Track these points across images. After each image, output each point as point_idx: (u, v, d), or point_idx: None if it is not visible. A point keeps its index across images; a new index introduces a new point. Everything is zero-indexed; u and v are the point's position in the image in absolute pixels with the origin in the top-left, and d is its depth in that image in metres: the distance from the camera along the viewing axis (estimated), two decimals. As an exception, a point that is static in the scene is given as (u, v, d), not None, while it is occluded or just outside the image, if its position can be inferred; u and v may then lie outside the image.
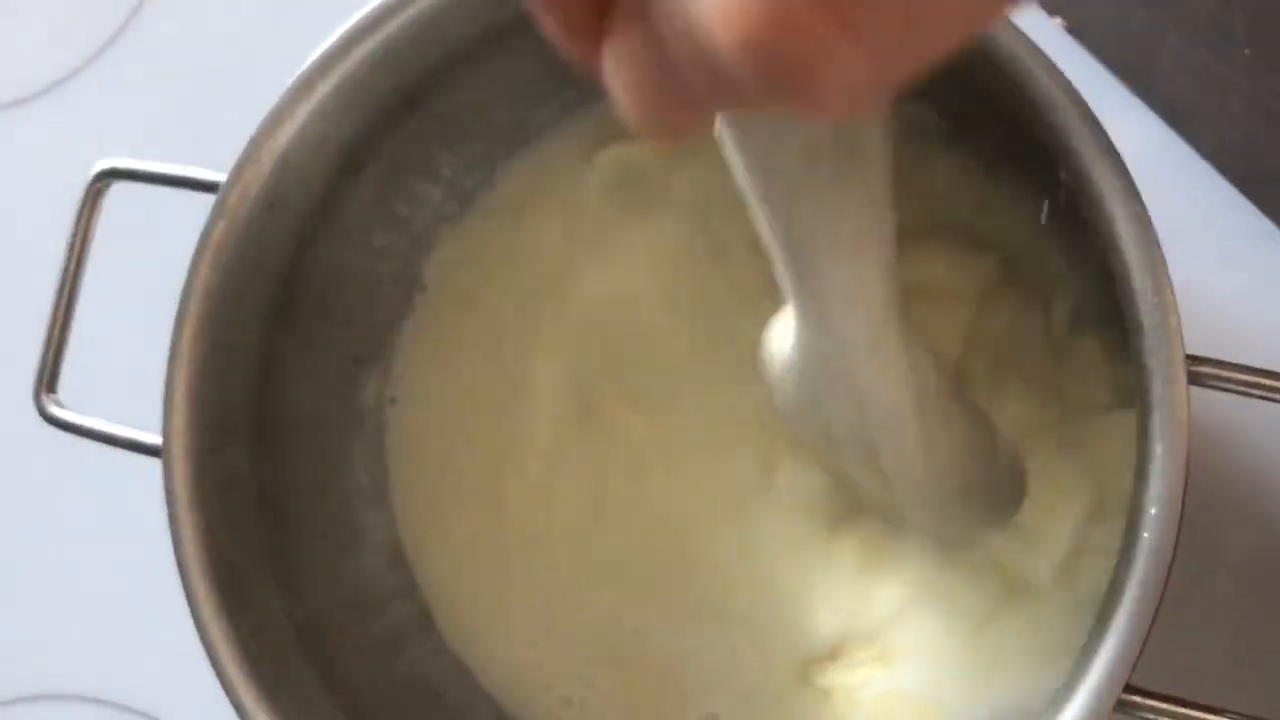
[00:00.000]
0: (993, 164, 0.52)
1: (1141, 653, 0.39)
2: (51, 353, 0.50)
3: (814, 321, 0.37)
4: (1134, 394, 0.48)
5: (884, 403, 0.39)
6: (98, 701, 0.63)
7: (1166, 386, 0.39)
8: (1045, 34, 0.43)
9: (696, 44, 0.21)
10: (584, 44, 0.24)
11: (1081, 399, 0.50)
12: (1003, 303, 0.52)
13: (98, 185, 0.50)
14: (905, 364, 0.38)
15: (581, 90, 0.54)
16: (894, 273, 0.34)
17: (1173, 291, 0.40)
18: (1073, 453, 0.50)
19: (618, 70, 0.24)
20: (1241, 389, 0.40)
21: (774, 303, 0.40)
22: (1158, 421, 0.39)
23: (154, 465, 0.47)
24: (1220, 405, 0.41)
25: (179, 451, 0.47)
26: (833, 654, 0.52)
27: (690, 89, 0.23)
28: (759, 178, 0.30)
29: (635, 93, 0.24)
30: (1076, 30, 0.58)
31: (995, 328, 0.51)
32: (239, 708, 0.44)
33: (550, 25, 0.24)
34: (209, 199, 0.47)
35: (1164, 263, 0.40)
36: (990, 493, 0.47)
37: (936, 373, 0.41)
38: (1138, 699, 0.39)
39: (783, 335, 0.39)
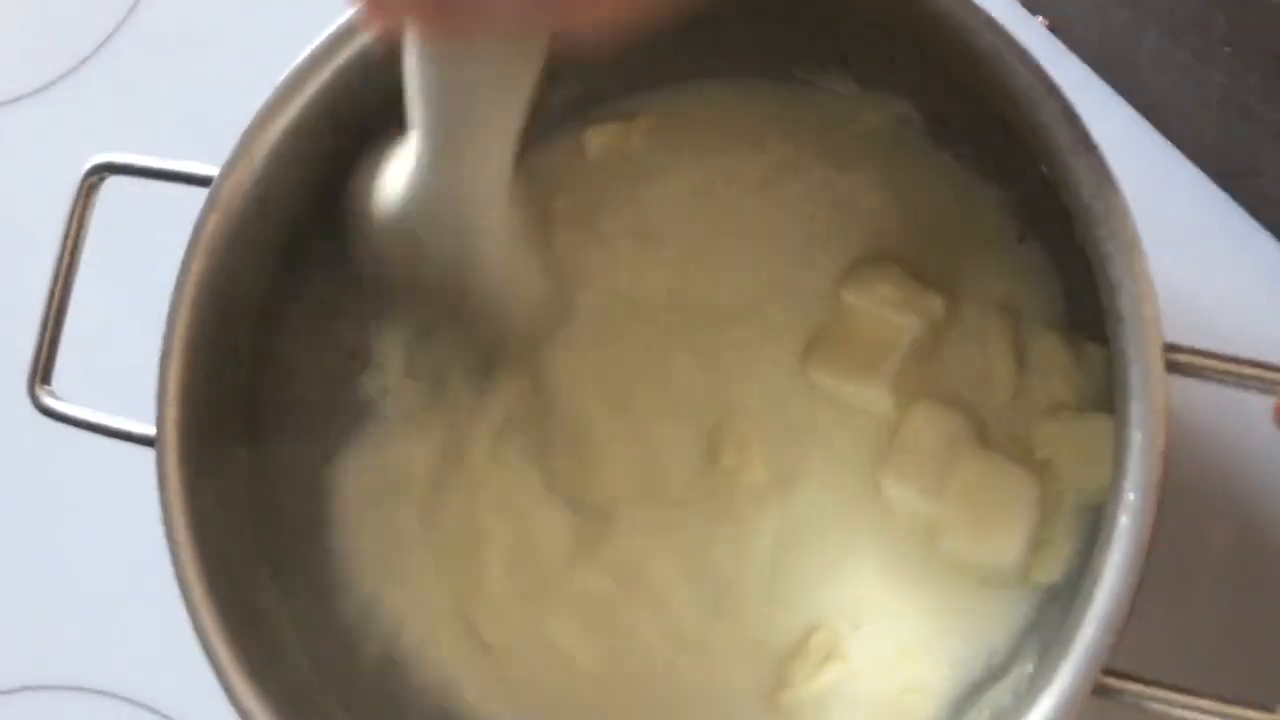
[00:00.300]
0: (975, 160, 0.53)
1: (1120, 636, 0.39)
2: (46, 344, 0.50)
3: (447, 167, 0.44)
4: (1096, 396, 0.49)
5: (488, 242, 0.47)
6: (93, 691, 0.63)
7: (1144, 374, 0.40)
8: (1028, 32, 0.43)
9: None
10: None
11: (1043, 399, 0.51)
12: (950, 332, 0.53)
13: (92, 179, 0.50)
14: (511, 214, 0.47)
15: (579, 87, 0.55)
16: (517, 139, 0.43)
17: (1151, 281, 0.40)
18: (1027, 452, 0.51)
19: None
20: (1218, 377, 0.40)
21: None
22: (1136, 408, 0.40)
23: (148, 456, 0.47)
24: (1198, 392, 0.42)
25: (172, 442, 0.47)
26: (794, 664, 0.52)
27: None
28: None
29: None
30: (1058, 29, 0.59)
31: (937, 356, 0.53)
32: (231, 693, 0.45)
33: None
34: (203, 193, 0.48)
35: (1143, 253, 0.40)
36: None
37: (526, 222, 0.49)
38: (1116, 682, 0.40)
39: (395, 181, 0.46)
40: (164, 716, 0.62)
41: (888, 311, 0.52)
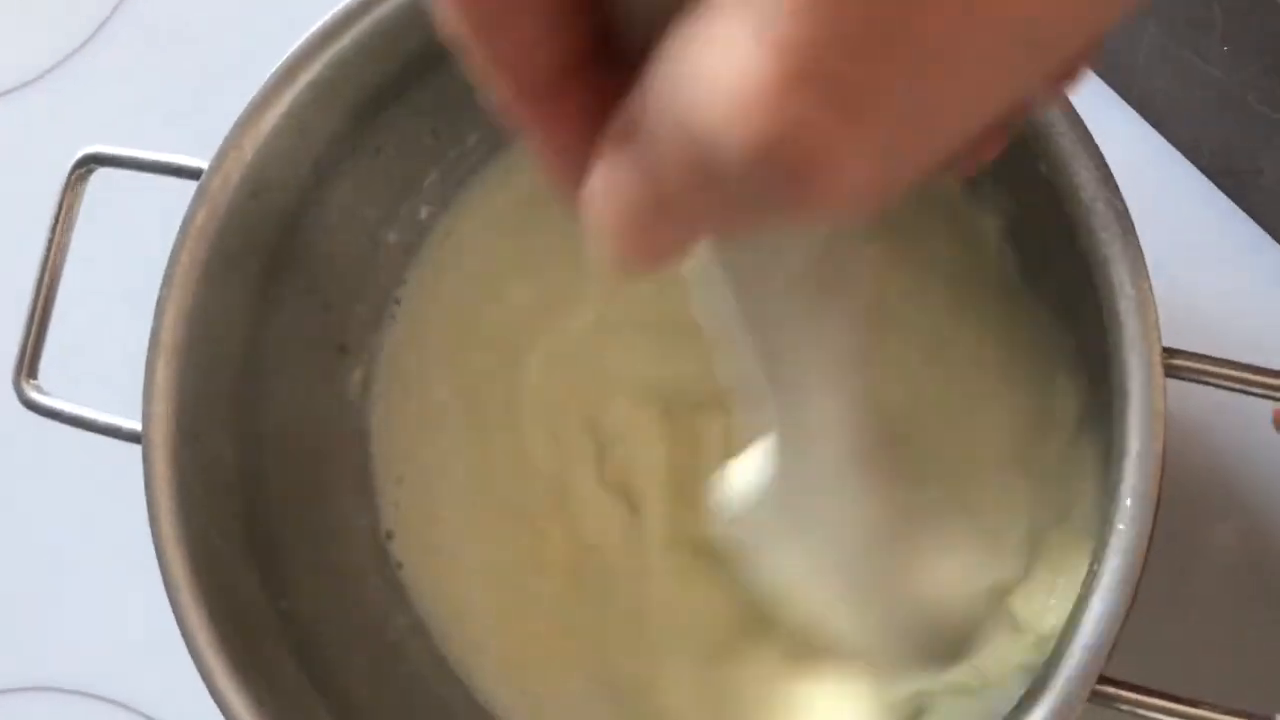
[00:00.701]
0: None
1: (1117, 644, 0.39)
2: (32, 338, 0.50)
3: (793, 450, 0.36)
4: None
5: (863, 526, 0.39)
6: (71, 692, 0.63)
7: (1143, 379, 0.39)
8: (1024, 29, 0.43)
9: (697, 152, 0.20)
10: (573, 171, 0.23)
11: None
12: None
13: (80, 170, 0.50)
14: (884, 487, 0.38)
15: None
16: (869, 396, 0.34)
17: (1150, 285, 0.40)
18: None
19: (605, 193, 0.22)
20: (1218, 382, 0.40)
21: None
22: (1134, 414, 0.40)
23: (135, 452, 0.47)
24: (1196, 398, 0.42)
25: (159, 438, 0.47)
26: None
27: (684, 208, 0.22)
28: (747, 304, 0.30)
29: (624, 215, 0.22)
30: (1057, 26, 0.58)
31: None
32: (216, 694, 0.44)
33: (541, 152, 0.23)
34: (192, 186, 0.47)
35: (1142, 255, 0.40)
36: (943, 629, 0.45)
37: (909, 498, 0.40)
38: (1112, 690, 0.39)
39: (746, 474, 0.39)
40: (146, 717, 0.62)
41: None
